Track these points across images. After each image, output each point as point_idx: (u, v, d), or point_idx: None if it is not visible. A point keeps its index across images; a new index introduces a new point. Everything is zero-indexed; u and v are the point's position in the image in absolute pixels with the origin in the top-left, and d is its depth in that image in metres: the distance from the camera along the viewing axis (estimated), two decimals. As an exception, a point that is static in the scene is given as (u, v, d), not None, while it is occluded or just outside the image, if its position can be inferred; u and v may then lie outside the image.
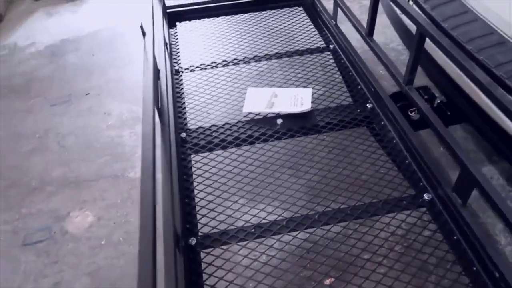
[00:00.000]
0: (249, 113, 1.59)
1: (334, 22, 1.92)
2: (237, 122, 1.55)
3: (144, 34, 1.15)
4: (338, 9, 1.86)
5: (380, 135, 1.49)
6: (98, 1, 3.76)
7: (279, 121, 1.55)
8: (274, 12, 2.21)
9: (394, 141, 1.44)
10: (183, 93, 1.72)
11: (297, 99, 1.63)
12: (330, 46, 1.93)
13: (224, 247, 1.13)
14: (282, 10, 2.22)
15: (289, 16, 2.18)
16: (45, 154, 2.29)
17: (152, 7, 1.34)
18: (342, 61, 1.82)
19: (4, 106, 2.66)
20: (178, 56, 1.93)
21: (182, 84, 1.76)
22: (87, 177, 2.15)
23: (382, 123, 1.51)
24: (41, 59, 3.09)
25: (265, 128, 1.52)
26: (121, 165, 2.20)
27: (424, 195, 1.23)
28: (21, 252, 1.81)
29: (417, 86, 1.57)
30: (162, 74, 1.36)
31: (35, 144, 2.36)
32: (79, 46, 3.17)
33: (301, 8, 2.24)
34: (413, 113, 1.61)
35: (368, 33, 1.56)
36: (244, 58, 1.89)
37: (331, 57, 1.88)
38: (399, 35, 1.93)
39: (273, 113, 1.58)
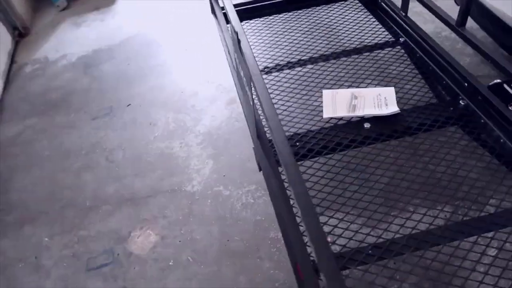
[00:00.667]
0: (331, 118, 1.46)
1: (403, 14, 1.78)
2: (320, 129, 1.42)
3: (239, 41, 1.03)
4: (410, -1, 1.71)
5: (482, 134, 1.34)
6: (124, 7, 3.67)
7: (367, 125, 1.41)
8: (330, 7, 2.07)
9: (502, 141, 1.30)
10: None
11: (380, 100, 1.50)
12: (400, 39, 1.78)
13: (361, 267, 1.00)
14: (337, 4, 2.09)
15: (345, 10, 2.04)
16: (95, 171, 2.19)
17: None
18: (418, 55, 1.68)
19: (46, 123, 2.57)
20: (238, 60, 1.80)
21: (249, 90, 1.64)
22: (143, 193, 2.04)
23: (482, 121, 1.37)
24: (75, 72, 3.00)
25: (353, 134, 1.39)
26: (176, 178, 2.09)
27: (558, 202, 1.10)
28: (87, 278, 1.71)
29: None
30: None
31: (84, 161, 2.26)
32: (112, 56, 3.07)
33: (357, 1, 2.09)
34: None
35: (460, 22, 1.41)
36: (310, 58, 1.76)
37: (403, 51, 1.74)
38: (480, 23, 1.77)
39: (358, 117, 1.45)
